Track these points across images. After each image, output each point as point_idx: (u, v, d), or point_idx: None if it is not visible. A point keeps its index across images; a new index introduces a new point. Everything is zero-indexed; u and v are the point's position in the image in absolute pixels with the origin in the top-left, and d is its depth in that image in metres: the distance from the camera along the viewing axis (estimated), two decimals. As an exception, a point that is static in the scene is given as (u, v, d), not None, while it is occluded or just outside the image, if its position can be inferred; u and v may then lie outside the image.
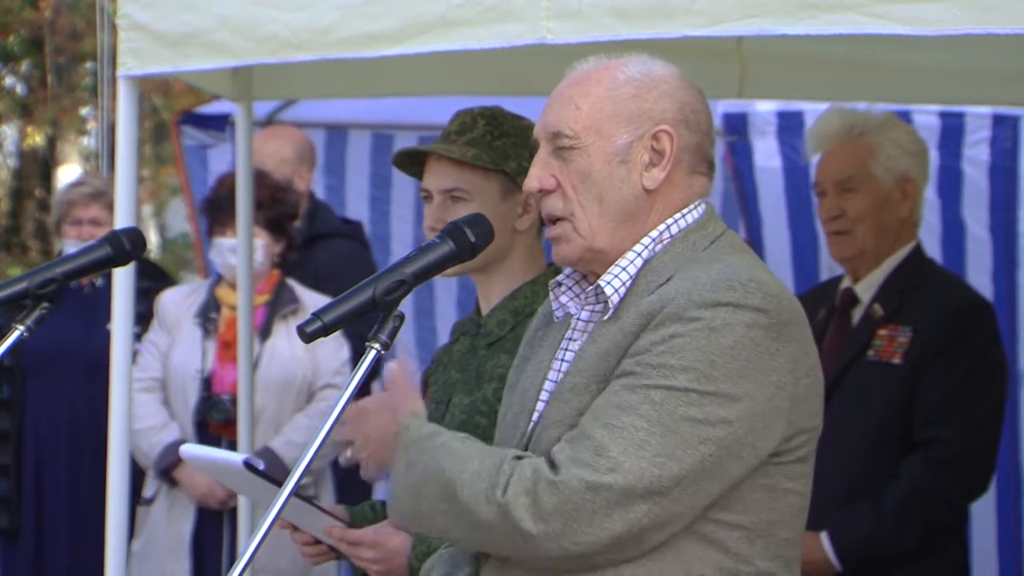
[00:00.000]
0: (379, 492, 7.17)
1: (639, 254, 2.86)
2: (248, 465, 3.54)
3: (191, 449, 3.96)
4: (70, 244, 6.41)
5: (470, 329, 3.73)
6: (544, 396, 2.91)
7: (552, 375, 2.92)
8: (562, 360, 2.91)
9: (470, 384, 3.63)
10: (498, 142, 3.67)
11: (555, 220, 2.91)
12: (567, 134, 2.87)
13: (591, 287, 2.89)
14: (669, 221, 2.88)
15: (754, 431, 2.72)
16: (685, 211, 2.89)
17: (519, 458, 2.75)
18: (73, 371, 6.34)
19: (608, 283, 2.85)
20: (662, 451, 2.67)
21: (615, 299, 2.84)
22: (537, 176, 2.90)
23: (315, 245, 6.63)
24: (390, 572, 3.58)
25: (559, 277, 2.97)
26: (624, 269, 2.85)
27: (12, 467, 6.41)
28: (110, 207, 6.39)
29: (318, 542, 3.74)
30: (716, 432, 2.69)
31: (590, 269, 2.92)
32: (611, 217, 2.86)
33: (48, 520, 6.41)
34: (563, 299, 2.96)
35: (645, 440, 2.67)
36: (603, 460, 2.67)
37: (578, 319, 2.93)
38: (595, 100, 2.87)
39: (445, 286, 6.87)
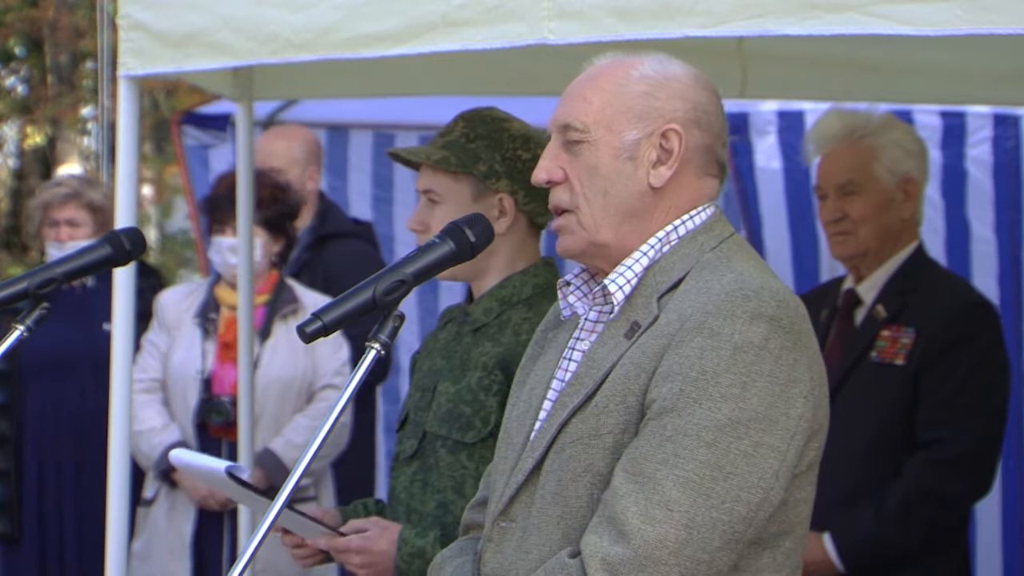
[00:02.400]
0: (381, 491, 7.17)
1: (644, 253, 2.87)
2: (231, 474, 3.57)
3: (181, 455, 3.96)
4: (51, 246, 6.37)
5: (458, 316, 3.74)
6: (551, 395, 2.91)
7: (560, 374, 2.92)
8: (569, 359, 2.92)
9: (455, 372, 3.65)
10: (471, 144, 3.68)
11: (561, 212, 2.91)
12: (576, 127, 2.87)
13: (598, 287, 2.89)
14: (677, 222, 2.89)
15: (796, 445, 2.75)
16: (693, 213, 2.90)
17: (573, 556, 2.73)
18: (78, 373, 6.32)
19: (612, 281, 2.85)
20: (728, 496, 2.68)
21: (619, 296, 2.84)
22: (545, 167, 2.91)
23: (326, 245, 6.64)
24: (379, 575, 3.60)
25: (567, 276, 2.98)
26: (629, 268, 2.86)
27: (12, 472, 6.39)
28: (88, 207, 6.37)
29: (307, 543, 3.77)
30: (771, 464, 2.71)
31: (593, 264, 2.93)
32: (615, 212, 2.87)
33: (51, 525, 6.39)
34: (571, 299, 2.96)
35: (710, 488, 2.67)
36: (676, 514, 2.67)
37: (586, 319, 2.93)
38: (606, 95, 2.87)
39: (449, 286, 6.87)
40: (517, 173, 3.66)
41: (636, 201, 2.87)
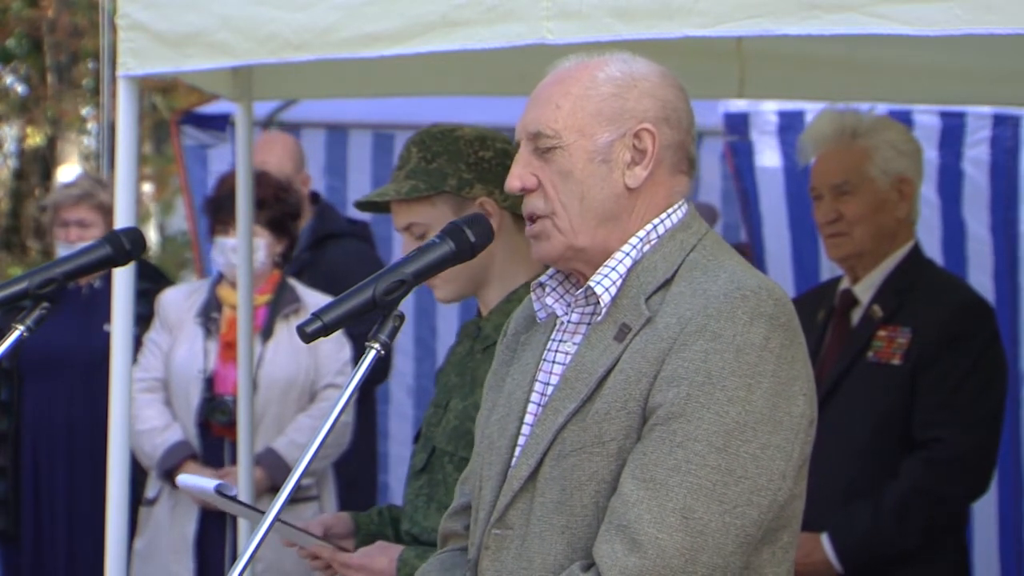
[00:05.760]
0: (381, 491, 7.17)
1: (627, 254, 2.85)
2: (220, 492, 3.60)
3: (185, 480, 3.99)
4: (61, 246, 6.42)
5: (472, 331, 3.73)
6: (535, 398, 2.89)
7: (542, 376, 2.90)
8: (552, 362, 2.90)
9: (465, 389, 3.64)
10: (432, 165, 3.66)
11: (536, 218, 2.90)
12: (548, 134, 2.86)
13: (581, 290, 2.88)
14: (656, 221, 2.87)
15: (800, 443, 2.75)
16: (670, 211, 2.89)
17: (586, 570, 2.72)
18: (70, 372, 6.34)
19: (598, 283, 2.84)
20: (740, 500, 2.68)
21: (606, 298, 2.83)
22: (518, 175, 2.89)
23: (325, 245, 6.64)
24: None
25: (542, 278, 2.96)
26: (613, 269, 2.84)
27: (10, 469, 6.42)
28: (99, 208, 6.40)
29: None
30: (779, 465, 2.71)
31: (571, 268, 2.91)
32: (592, 216, 2.85)
33: (46, 522, 6.41)
34: (548, 300, 2.94)
35: (723, 493, 2.67)
36: (690, 522, 2.66)
37: (568, 320, 2.91)
38: (576, 99, 2.85)
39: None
40: (487, 173, 3.65)
41: (612, 203, 2.85)
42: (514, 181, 2.90)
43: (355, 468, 6.45)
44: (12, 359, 6.28)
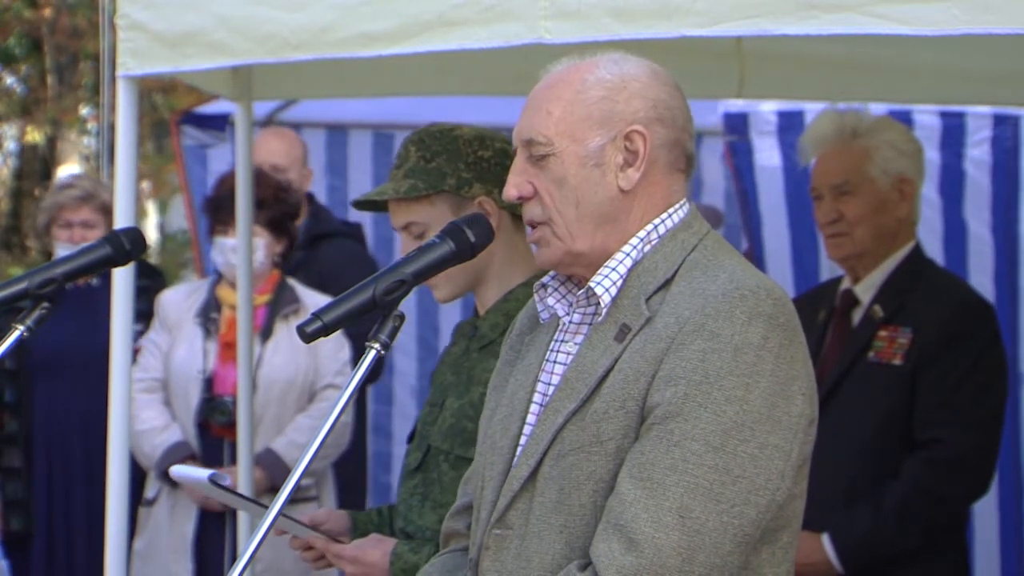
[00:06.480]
0: (373, 490, 7.17)
1: (628, 254, 2.85)
2: (213, 481, 3.61)
3: (179, 470, 4.01)
4: (62, 247, 6.41)
5: (468, 331, 3.73)
6: (537, 398, 2.90)
7: (544, 376, 2.90)
8: (554, 362, 2.90)
9: (461, 387, 3.64)
10: (431, 164, 3.66)
11: (535, 225, 2.90)
12: (540, 141, 2.86)
13: (582, 291, 2.89)
14: (656, 221, 2.87)
15: (799, 443, 2.75)
16: (671, 210, 2.88)
17: (583, 569, 2.72)
18: (77, 371, 6.33)
19: (598, 283, 2.84)
20: (737, 499, 2.68)
21: (606, 299, 2.83)
22: (515, 184, 2.90)
23: (319, 244, 6.65)
24: None
25: (544, 279, 2.96)
26: (614, 270, 2.84)
27: (23, 470, 6.41)
28: (101, 209, 6.40)
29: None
30: (777, 464, 2.71)
31: (573, 272, 2.92)
32: (589, 220, 2.85)
33: (58, 523, 6.40)
34: (549, 301, 2.95)
35: (720, 493, 2.67)
36: (687, 521, 2.66)
37: (569, 321, 2.91)
38: (566, 104, 2.85)
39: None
40: (486, 173, 3.65)
41: (608, 207, 2.85)
42: (511, 190, 2.91)
43: (351, 468, 6.45)
44: (18, 360, 6.27)
